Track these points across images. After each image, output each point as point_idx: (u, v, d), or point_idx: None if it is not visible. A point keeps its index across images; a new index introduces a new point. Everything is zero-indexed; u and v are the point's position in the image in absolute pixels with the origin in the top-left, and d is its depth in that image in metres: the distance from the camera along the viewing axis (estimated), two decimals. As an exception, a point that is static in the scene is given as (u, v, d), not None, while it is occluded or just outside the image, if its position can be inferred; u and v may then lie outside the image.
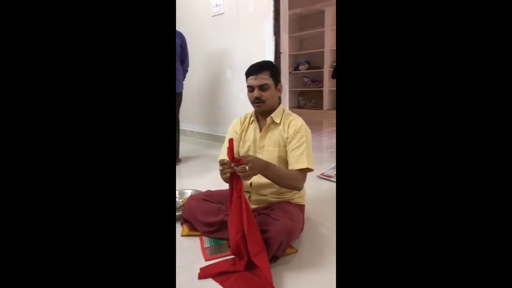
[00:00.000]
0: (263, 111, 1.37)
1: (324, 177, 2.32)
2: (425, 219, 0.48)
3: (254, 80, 1.30)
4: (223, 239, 1.43)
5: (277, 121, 1.36)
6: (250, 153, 1.47)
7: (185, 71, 2.85)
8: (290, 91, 3.40)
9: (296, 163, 1.29)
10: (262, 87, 1.30)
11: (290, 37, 3.75)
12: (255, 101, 1.33)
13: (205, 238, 1.45)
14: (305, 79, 6.15)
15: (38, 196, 0.48)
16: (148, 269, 0.51)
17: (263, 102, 1.32)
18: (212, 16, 3.41)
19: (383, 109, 0.50)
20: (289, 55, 3.34)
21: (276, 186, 1.38)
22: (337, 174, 0.53)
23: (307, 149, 1.29)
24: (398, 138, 0.49)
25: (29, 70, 0.48)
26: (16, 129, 0.48)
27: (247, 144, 1.45)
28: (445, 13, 0.47)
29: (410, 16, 0.49)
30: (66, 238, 0.49)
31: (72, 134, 0.51)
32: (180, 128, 3.34)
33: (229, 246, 1.38)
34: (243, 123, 1.47)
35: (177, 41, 2.62)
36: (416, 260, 0.47)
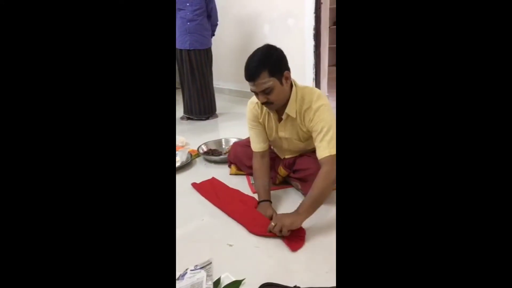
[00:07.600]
0: (276, 109, 1.30)
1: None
2: (425, 216, 0.48)
3: (254, 87, 1.19)
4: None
5: (293, 115, 1.29)
6: (274, 141, 1.45)
7: (214, 25, 2.69)
8: (330, 48, 3.29)
9: (319, 153, 1.24)
10: (265, 91, 1.18)
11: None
12: (263, 104, 1.26)
13: (250, 176, 1.62)
14: (345, 35, 5.83)
15: (26, 184, 0.47)
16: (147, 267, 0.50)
17: (272, 103, 1.22)
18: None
19: (384, 109, 0.49)
20: (330, 8, 3.15)
21: (304, 146, 1.42)
22: (337, 174, 0.55)
23: (326, 134, 1.22)
24: (399, 137, 0.49)
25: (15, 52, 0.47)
26: (8, 120, 0.48)
27: (272, 133, 1.42)
28: (444, 12, 0.46)
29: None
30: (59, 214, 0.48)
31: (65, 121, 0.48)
32: (217, 86, 3.38)
33: (274, 183, 1.54)
34: (261, 106, 1.36)
35: None
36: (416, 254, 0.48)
